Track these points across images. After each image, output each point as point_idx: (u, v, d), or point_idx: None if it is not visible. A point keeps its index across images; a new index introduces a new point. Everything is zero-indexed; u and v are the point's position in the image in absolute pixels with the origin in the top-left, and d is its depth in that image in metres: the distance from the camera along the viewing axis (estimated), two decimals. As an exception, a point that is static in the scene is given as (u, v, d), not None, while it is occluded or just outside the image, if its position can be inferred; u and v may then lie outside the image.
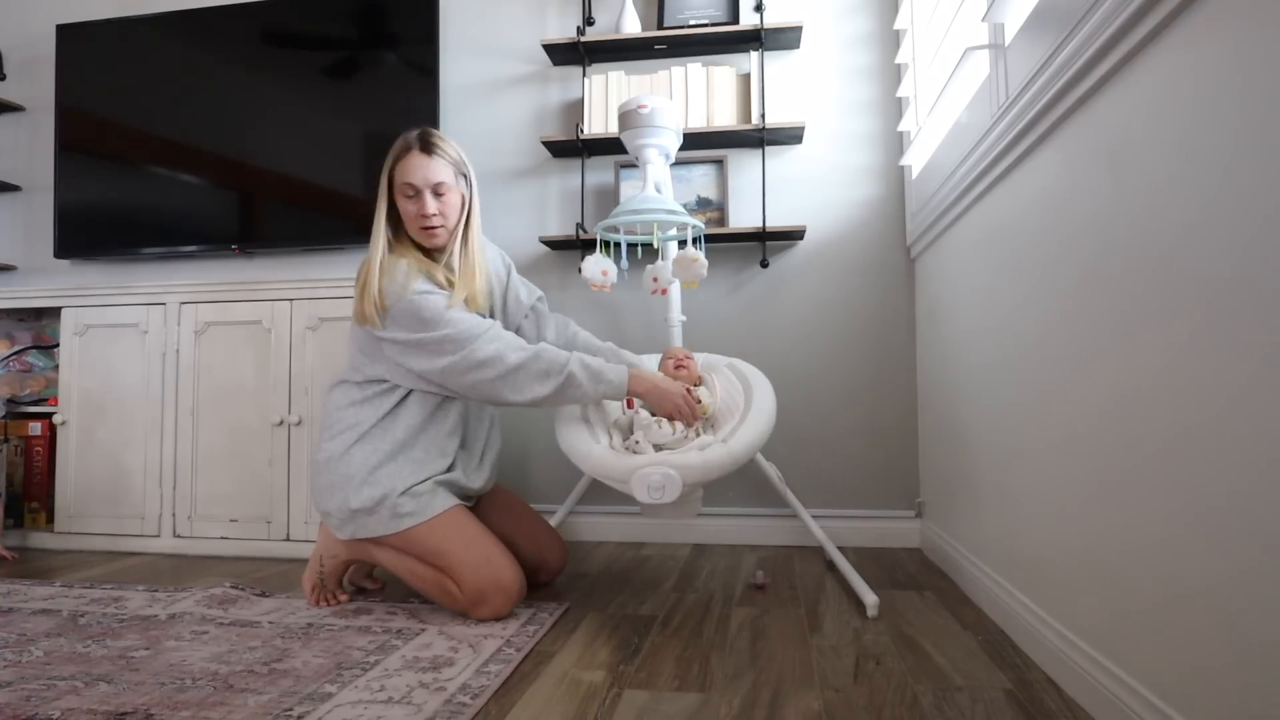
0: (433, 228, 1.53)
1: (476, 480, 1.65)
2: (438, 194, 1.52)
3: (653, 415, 1.57)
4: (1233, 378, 0.74)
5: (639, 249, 2.05)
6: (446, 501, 1.53)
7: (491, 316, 1.65)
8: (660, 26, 2.30)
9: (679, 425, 1.54)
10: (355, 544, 1.57)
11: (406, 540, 1.50)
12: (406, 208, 1.52)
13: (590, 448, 1.49)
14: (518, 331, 1.73)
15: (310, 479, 1.58)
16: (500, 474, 2.25)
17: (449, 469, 1.58)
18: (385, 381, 1.55)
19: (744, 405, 1.60)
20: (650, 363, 1.84)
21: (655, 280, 1.90)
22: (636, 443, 1.52)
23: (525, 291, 1.76)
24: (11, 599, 1.65)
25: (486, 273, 1.62)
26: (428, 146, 1.51)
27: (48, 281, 2.65)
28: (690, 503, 1.51)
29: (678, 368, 1.71)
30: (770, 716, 1.06)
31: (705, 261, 1.77)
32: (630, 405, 1.68)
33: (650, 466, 1.38)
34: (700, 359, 1.85)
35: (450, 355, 1.47)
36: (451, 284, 1.53)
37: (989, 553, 1.53)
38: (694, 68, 2.26)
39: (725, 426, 1.58)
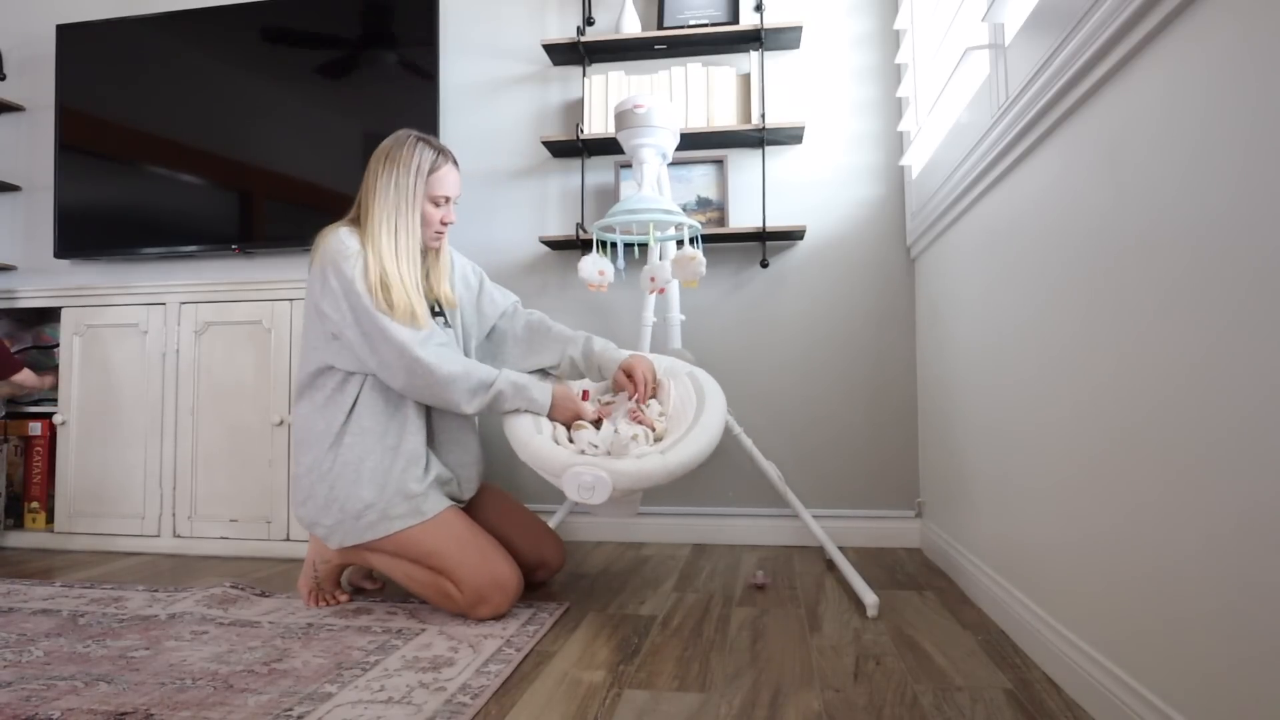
0: (444, 232, 1.66)
1: (463, 476, 1.64)
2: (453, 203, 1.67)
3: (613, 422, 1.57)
4: (1234, 377, 0.74)
5: (636, 249, 2.05)
6: (438, 504, 1.53)
7: (461, 320, 1.73)
8: (660, 26, 2.30)
9: (638, 430, 1.53)
10: (348, 550, 1.56)
11: (400, 544, 1.50)
12: (431, 214, 1.62)
13: (530, 437, 1.49)
14: (492, 331, 1.80)
15: (292, 494, 1.58)
16: (496, 475, 2.26)
17: (428, 461, 1.56)
18: (334, 370, 1.56)
19: (692, 418, 1.57)
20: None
21: (652, 280, 1.90)
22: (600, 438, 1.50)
23: (500, 295, 1.82)
24: (11, 599, 1.65)
25: (453, 275, 1.73)
26: (454, 160, 1.65)
27: (48, 281, 2.65)
28: (626, 504, 1.50)
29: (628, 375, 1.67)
30: (770, 716, 1.06)
31: (703, 260, 1.77)
32: (586, 396, 1.68)
33: (583, 466, 1.37)
34: (663, 363, 1.77)
35: (387, 352, 1.49)
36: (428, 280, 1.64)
37: (989, 553, 1.53)
38: (694, 68, 2.26)
39: (669, 436, 1.56)
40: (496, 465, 2.24)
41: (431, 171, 1.60)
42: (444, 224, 1.63)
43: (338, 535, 1.51)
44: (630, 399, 1.62)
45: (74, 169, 2.56)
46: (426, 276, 1.64)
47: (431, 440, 1.61)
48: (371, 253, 1.53)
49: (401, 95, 2.36)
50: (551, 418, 1.59)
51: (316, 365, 1.57)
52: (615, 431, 1.48)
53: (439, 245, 1.66)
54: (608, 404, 1.65)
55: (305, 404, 1.59)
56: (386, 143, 1.62)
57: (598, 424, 1.57)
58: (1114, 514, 0.99)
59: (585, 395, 1.68)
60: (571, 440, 1.54)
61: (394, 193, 1.56)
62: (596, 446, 1.46)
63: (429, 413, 1.61)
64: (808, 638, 1.39)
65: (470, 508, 1.68)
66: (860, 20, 2.28)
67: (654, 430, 1.58)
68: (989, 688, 1.14)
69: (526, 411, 1.57)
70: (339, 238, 1.53)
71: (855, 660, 1.27)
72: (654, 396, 1.69)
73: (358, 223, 1.59)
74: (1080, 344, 1.09)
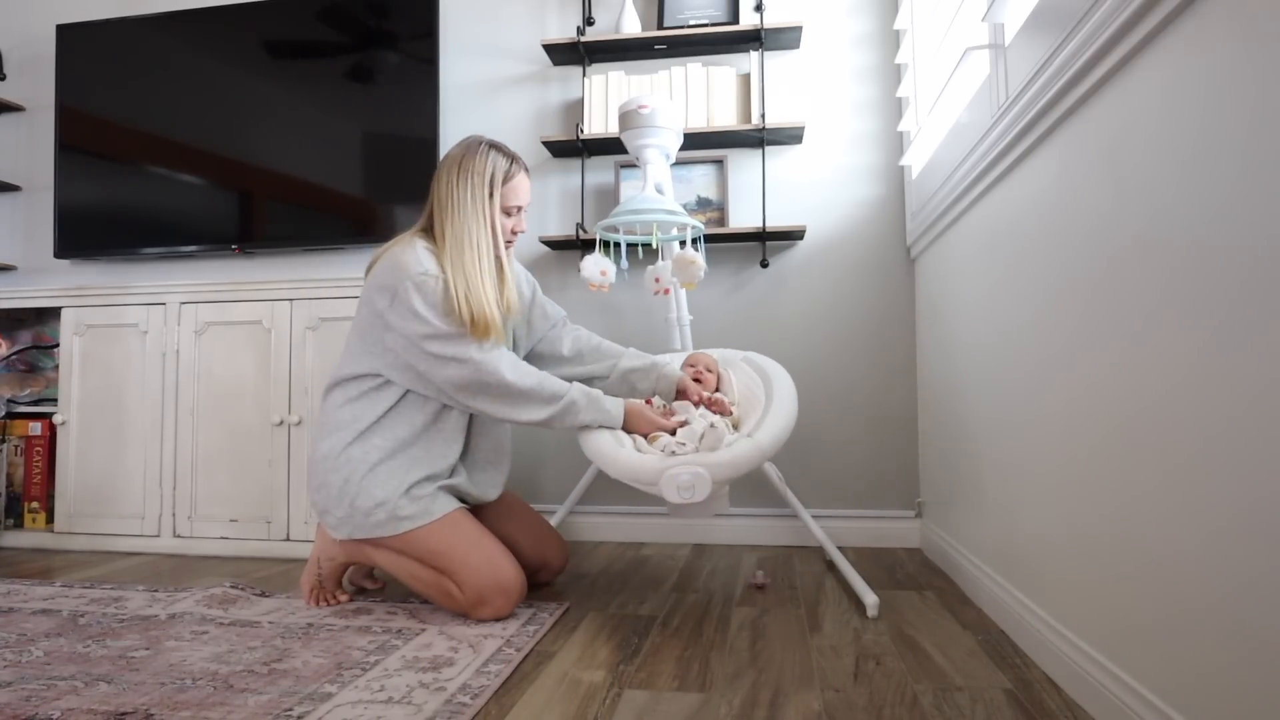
0: (514, 241, 1.64)
1: (487, 491, 1.65)
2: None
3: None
4: (1231, 374, 0.74)
5: (639, 249, 2.05)
6: (447, 505, 1.53)
7: (512, 330, 1.69)
8: (660, 26, 2.30)
9: (716, 420, 1.54)
10: (353, 546, 1.57)
11: (406, 543, 1.50)
12: (503, 223, 1.59)
13: (616, 452, 1.48)
14: (540, 343, 1.77)
15: (308, 478, 1.58)
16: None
17: (451, 474, 1.58)
18: (380, 376, 1.54)
19: (765, 398, 1.60)
20: (672, 361, 1.82)
21: (657, 280, 1.90)
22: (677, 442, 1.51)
23: (551, 309, 1.80)
24: (11, 599, 1.65)
25: (517, 282, 1.70)
26: (525, 167, 1.62)
27: (48, 281, 2.65)
28: (718, 500, 1.49)
29: (696, 379, 1.70)
30: (770, 716, 1.06)
31: (703, 264, 1.78)
32: (649, 402, 1.68)
33: (679, 466, 1.36)
34: (716, 354, 1.85)
35: (458, 370, 1.47)
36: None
37: (989, 553, 1.53)
38: (694, 68, 2.26)
39: (748, 421, 1.58)
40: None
41: (505, 180, 1.57)
42: (514, 233, 1.61)
43: (346, 527, 1.51)
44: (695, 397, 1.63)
45: (74, 169, 2.56)
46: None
47: (465, 457, 1.61)
48: (452, 269, 1.49)
49: (402, 95, 2.36)
50: (629, 429, 1.56)
51: (366, 369, 1.55)
52: (711, 426, 1.47)
53: (506, 254, 1.62)
54: (667, 409, 1.65)
55: (338, 394, 1.58)
56: (456, 150, 1.58)
57: (672, 432, 1.56)
58: (1114, 513, 0.99)
59: (650, 401, 1.68)
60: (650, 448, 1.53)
61: (470, 204, 1.53)
62: (685, 444, 1.46)
63: (468, 437, 1.60)
64: (808, 638, 1.39)
65: (475, 507, 1.68)
66: (860, 20, 2.28)
67: (731, 416, 1.60)
68: (989, 688, 1.14)
69: (600, 426, 1.55)
70: (417, 256, 1.49)
71: (855, 660, 1.27)
72: (716, 390, 1.72)
73: (429, 233, 1.56)
74: (1079, 343, 1.09)
